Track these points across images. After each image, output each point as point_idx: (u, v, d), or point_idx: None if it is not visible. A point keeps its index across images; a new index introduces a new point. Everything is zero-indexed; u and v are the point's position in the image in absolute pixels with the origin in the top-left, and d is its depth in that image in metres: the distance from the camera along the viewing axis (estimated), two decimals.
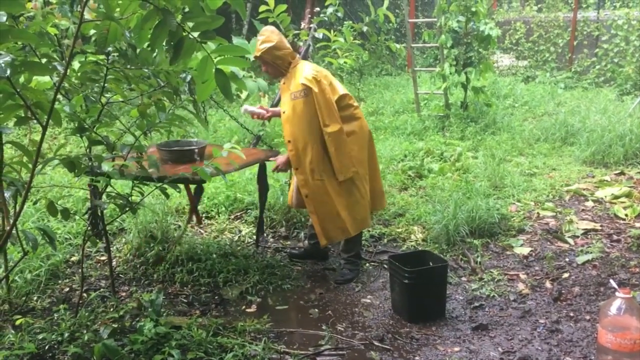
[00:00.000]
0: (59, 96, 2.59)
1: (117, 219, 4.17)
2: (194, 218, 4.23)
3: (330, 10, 5.38)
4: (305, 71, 3.65)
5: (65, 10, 2.74)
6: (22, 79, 2.50)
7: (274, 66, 3.72)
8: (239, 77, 2.26)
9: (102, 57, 2.76)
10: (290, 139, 3.63)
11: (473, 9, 7.43)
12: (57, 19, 2.78)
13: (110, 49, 2.64)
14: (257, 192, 4.25)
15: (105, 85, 2.81)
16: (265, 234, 4.54)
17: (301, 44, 5.90)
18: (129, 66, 2.74)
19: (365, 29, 5.58)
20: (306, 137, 3.61)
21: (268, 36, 3.65)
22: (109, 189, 3.04)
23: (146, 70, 2.81)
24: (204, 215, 4.84)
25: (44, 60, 2.44)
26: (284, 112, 3.66)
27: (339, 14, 5.40)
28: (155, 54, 2.71)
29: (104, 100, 2.85)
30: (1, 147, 2.67)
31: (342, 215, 3.71)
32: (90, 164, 2.84)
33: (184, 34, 2.09)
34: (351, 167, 3.71)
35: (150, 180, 3.14)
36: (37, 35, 2.62)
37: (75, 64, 2.85)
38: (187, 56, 2.12)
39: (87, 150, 2.98)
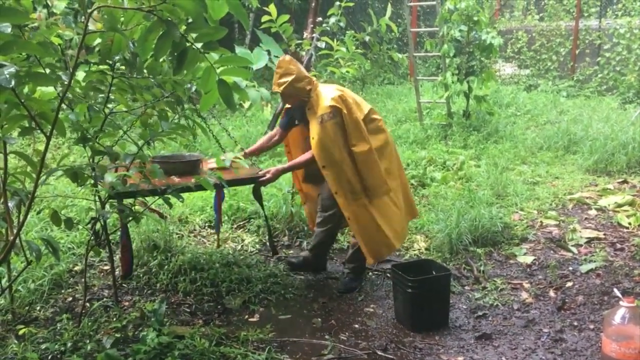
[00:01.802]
0: (63, 106, 2.60)
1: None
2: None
3: (332, 20, 5.40)
4: (329, 92, 3.59)
5: (69, 21, 2.76)
6: (26, 89, 2.52)
7: (296, 97, 3.65)
8: (241, 88, 2.27)
9: (107, 66, 2.77)
10: (325, 163, 3.54)
11: (475, 18, 7.47)
12: (61, 30, 2.79)
13: (117, 57, 2.66)
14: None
15: (110, 95, 2.82)
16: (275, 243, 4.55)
17: (303, 53, 5.92)
18: (135, 75, 2.76)
19: (367, 38, 5.60)
20: (341, 159, 3.55)
21: (286, 68, 3.55)
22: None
23: (152, 80, 2.82)
24: (206, 225, 4.85)
25: (48, 71, 2.45)
26: (313, 138, 3.56)
27: (342, 24, 5.42)
28: (162, 62, 2.72)
29: (107, 110, 2.87)
30: (5, 157, 2.68)
31: (384, 231, 3.66)
32: (93, 174, 2.85)
33: (188, 44, 2.10)
34: (384, 185, 3.66)
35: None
36: (41, 46, 2.64)
37: (80, 74, 2.87)
38: (190, 67, 2.13)
39: (91, 160, 2.99)
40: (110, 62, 2.72)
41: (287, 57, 3.63)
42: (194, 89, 3.05)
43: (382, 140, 3.72)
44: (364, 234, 3.64)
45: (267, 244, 4.01)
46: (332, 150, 3.52)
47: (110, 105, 2.94)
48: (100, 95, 2.87)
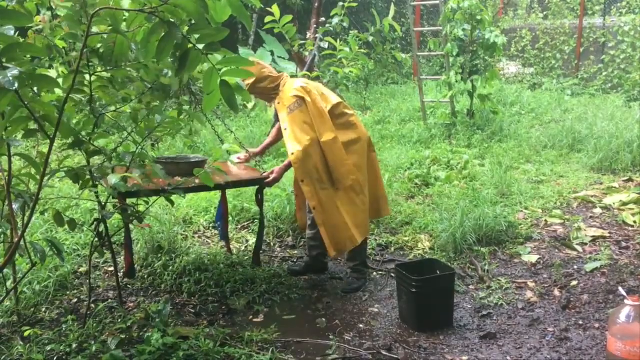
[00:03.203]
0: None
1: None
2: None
3: (335, 20, 5.41)
4: (294, 84, 3.73)
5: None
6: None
7: (264, 95, 3.85)
8: (244, 89, 2.27)
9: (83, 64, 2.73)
10: (294, 151, 3.62)
11: (478, 17, 7.45)
12: (65, 32, 2.80)
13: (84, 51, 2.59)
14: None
15: (94, 94, 2.80)
16: (272, 244, 4.54)
17: (307, 54, 5.93)
18: (108, 67, 2.72)
19: (370, 38, 5.60)
20: (309, 148, 3.61)
21: None
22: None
23: (129, 70, 2.78)
24: (210, 225, 4.86)
25: None
26: (285, 129, 3.68)
27: (345, 24, 5.43)
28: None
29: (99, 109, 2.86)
30: (10, 159, 2.69)
31: (348, 224, 3.71)
32: (91, 176, 2.85)
33: (190, 46, 2.10)
34: (350, 176, 3.71)
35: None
36: (45, 49, 2.65)
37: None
38: (192, 68, 2.13)
39: (88, 162, 2.98)
40: (85, 61, 2.67)
41: None
42: (169, 74, 2.98)
43: (353, 135, 3.78)
44: (328, 225, 3.69)
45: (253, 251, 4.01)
46: (300, 139, 3.60)
47: (107, 106, 2.93)
48: (84, 96, 2.84)
